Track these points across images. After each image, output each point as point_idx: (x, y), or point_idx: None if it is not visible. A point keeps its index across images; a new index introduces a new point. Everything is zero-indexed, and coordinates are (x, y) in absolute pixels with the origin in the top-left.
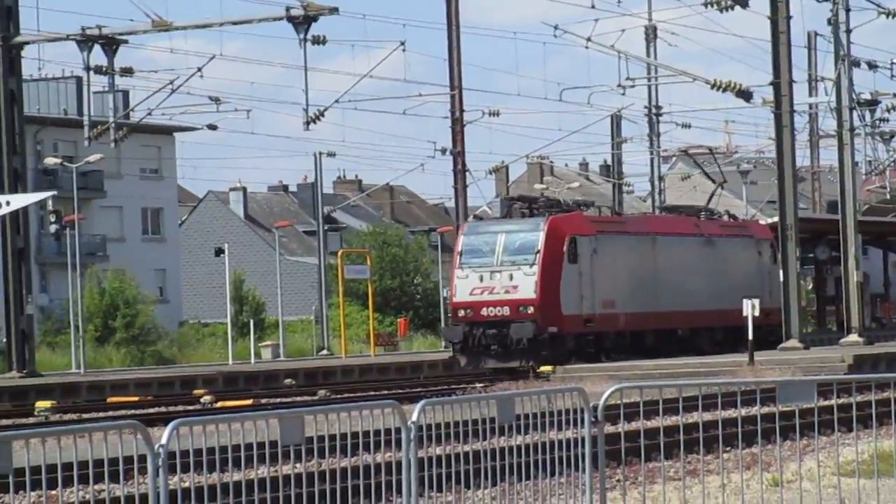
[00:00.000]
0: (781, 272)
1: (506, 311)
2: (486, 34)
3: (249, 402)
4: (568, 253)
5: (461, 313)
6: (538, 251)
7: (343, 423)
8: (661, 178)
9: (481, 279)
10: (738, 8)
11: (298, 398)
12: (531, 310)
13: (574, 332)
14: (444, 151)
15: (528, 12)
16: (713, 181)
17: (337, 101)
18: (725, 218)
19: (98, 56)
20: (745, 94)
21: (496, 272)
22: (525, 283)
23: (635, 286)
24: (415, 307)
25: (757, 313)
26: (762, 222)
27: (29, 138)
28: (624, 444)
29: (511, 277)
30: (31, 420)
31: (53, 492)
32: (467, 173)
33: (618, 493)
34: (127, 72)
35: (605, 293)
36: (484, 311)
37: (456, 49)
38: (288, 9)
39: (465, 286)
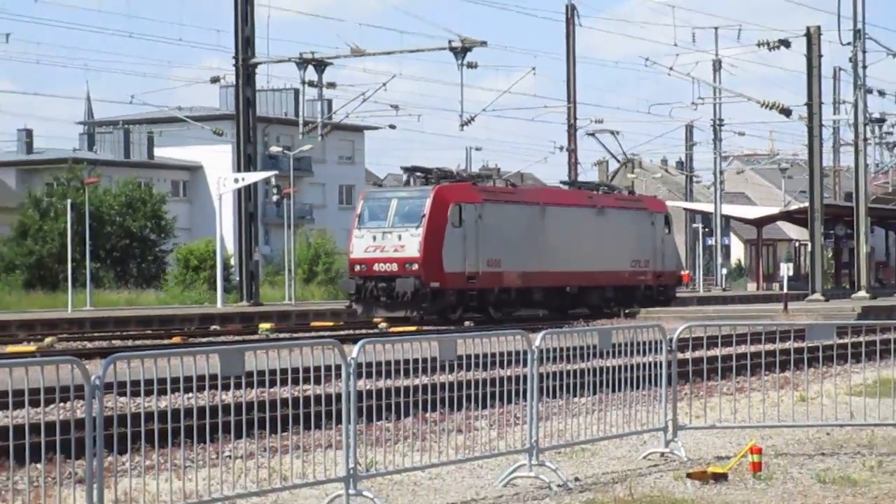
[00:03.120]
0: (810, 243)
1: (394, 267)
2: (595, 62)
3: (415, 328)
4: (452, 218)
5: (357, 268)
6: (424, 215)
7: (479, 346)
8: (721, 174)
9: (374, 239)
10: (783, 48)
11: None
12: (415, 267)
13: (456, 288)
14: (561, 149)
15: (627, 47)
16: (618, 161)
17: (484, 109)
18: (624, 193)
19: (310, 73)
20: (786, 112)
21: (387, 233)
22: (411, 243)
23: (522, 248)
24: None
25: (791, 273)
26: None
27: (259, 133)
28: (691, 367)
29: (399, 238)
30: (256, 337)
31: (273, 390)
32: (578, 165)
33: (684, 403)
34: (331, 85)
35: (490, 253)
36: (376, 267)
37: (572, 73)
38: (450, 42)
39: (360, 245)
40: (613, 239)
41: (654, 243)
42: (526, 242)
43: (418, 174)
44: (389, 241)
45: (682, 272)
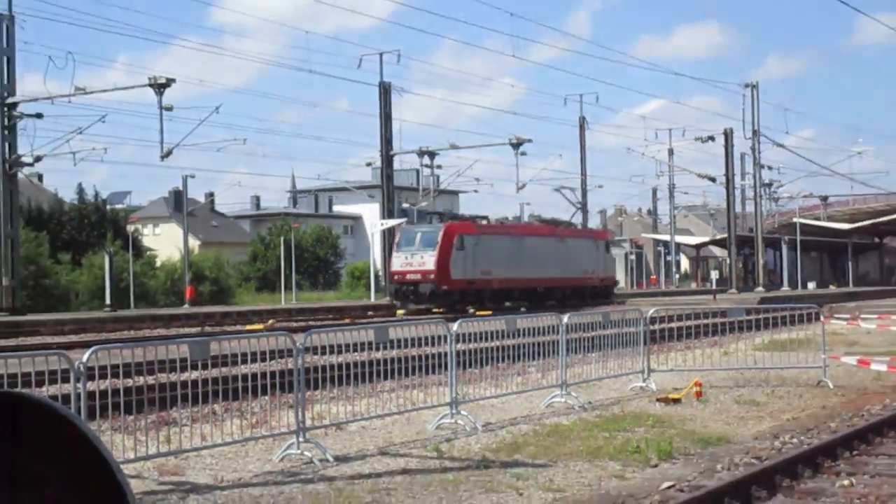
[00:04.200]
0: (728, 259)
1: (418, 276)
2: (598, 150)
3: (490, 312)
4: (457, 244)
5: (395, 277)
6: (437, 243)
7: (529, 322)
8: (674, 217)
9: (406, 258)
10: (710, 141)
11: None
12: (432, 276)
13: (459, 289)
14: (578, 205)
15: (617, 141)
16: (576, 207)
17: (531, 180)
18: (578, 227)
19: (426, 160)
20: (713, 179)
21: (415, 254)
22: (429, 261)
23: (505, 263)
24: None
25: (717, 277)
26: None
27: (395, 196)
28: (659, 334)
29: (422, 257)
30: (395, 319)
31: (405, 350)
32: (588, 213)
33: (655, 355)
34: (438, 167)
35: (483, 266)
36: (408, 276)
37: (584, 157)
38: (510, 139)
39: (398, 261)
40: (569, 256)
41: (597, 259)
42: (508, 259)
43: (436, 216)
44: (416, 259)
45: (660, 277)
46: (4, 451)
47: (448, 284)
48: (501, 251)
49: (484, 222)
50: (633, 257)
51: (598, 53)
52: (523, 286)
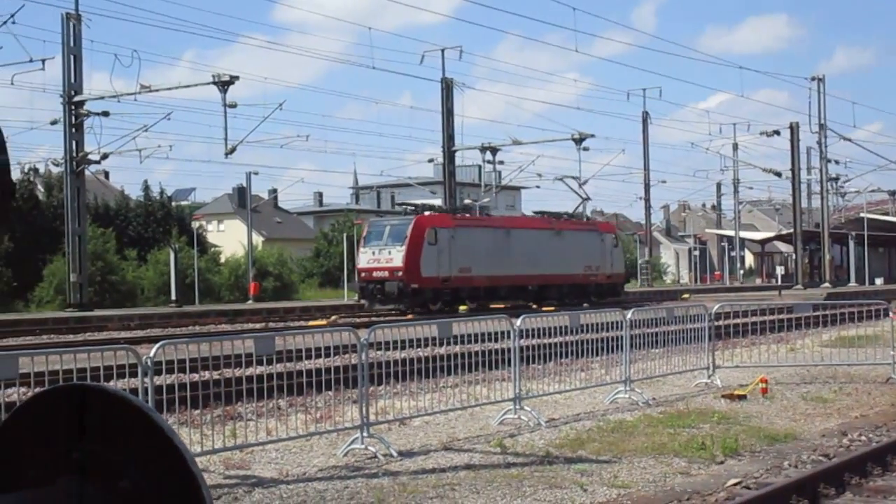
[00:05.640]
0: (794, 253)
1: (386, 273)
2: (660, 145)
3: (553, 308)
4: (428, 238)
5: (362, 274)
6: (406, 237)
7: (592, 318)
8: (738, 212)
9: (374, 253)
10: (776, 135)
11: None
12: (400, 273)
13: (432, 288)
14: (640, 199)
15: (680, 136)
16: (582, 198)
17: (593, 175)
18: (583, 220)
19: (487, 156)
20: (778, 174)
21: (383, 249)
22: (397, 257)
23: (488, 259)
24: None
25: (783, 273)
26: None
27: (457, 191)
28: (723, 330)
29: (390, 253)
30: (458, 315)
31: (467, 345)
32: (651, 208)
33: (720, 351)
34: (500, 162)
35: (461, 263)
36: (375, 274)
37: (646, 152)
38: (571, 135)
39: (365, 258)
40: (567, 251)
41: (602, 254)
42: (492, 254)
43: (409, 207)
44: (383, 255)
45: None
46: (77, 441)
47: (418, 282)
48: (483, 246)
49: (464, 214)
50: (696, 253)
51: (661, 48)
52: (511, 284)
